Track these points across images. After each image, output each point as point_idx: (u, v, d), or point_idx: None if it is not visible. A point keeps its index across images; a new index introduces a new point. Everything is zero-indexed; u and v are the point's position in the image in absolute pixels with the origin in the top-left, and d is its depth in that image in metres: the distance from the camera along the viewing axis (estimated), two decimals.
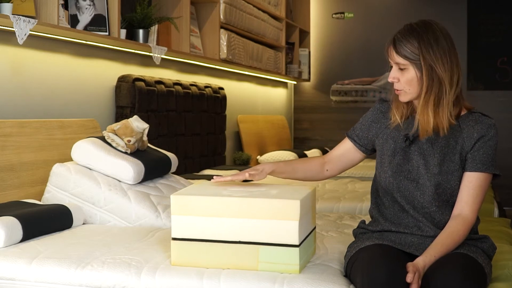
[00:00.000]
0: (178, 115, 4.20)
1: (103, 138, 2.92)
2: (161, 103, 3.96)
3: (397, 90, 2.01)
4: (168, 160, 3.11)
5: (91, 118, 3.41)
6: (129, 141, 2.90)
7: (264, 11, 5.55)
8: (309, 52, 6.97)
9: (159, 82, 3.98)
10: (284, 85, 7.04)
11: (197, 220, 1.97)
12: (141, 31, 3.68)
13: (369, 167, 5.20)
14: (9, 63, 2.95)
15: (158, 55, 3.75)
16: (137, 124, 2.92)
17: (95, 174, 2.80)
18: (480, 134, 1.96)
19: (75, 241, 2.35)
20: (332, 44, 7.11)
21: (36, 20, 2.71)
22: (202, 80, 4.85)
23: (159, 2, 4.16)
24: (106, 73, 3.69)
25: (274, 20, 5.85)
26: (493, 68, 6.73)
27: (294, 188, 2.11)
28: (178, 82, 4.25)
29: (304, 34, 6.99)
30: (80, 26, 3.26)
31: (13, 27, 2.63)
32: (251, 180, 2.13)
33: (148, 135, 3.10)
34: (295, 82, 7.11)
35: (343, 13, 7.06)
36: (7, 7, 2.63)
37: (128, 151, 2.91)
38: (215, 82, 5.07)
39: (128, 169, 2.80)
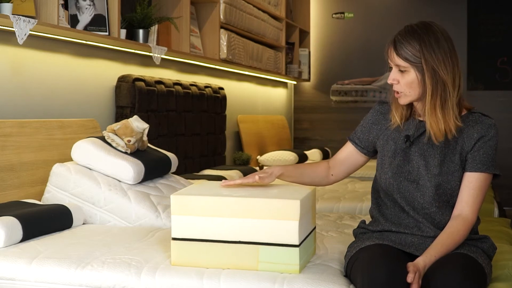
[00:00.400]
0: (178, 115, 4.19)
1: (103, 138, 2.92)
2: (161, 103, 3.96)
3: (397, 92, 2.01)
4: (168, 160, 3.11)
5: (91, 118, 3.41)
6: (129, 141, 2.90)
7: (264, 11, 5.55)
8: (309, 52, 6.97)
9: (159, 82, 3.98)
10: (284, 85, 7.04)
11: (197, 220, 1.97)
12: (141, 31, 3.68)
13: (369, 167, 5.20)
14: (9, 63, 2.95)
15: (158, 55, 3.75)
16: (137, 124, 2.92)
17: (95, 174, 2.80)
18: (480, 134, 1.96)
19: (75, 241, 2.35)
20: (332, 44, 7.11)
21: (36, 20, 2.71)
22: (202, 80, 4.85)
23: (159, 2, 4.16)
24: (106, 73, 3.69)
25: (274, 20, 5.85)
26: (493, 68, 6.73)
27: (294, 188, 2.11)
28: (178, 82, 4.25)
29: (304, 34, 6.99)
30: (80, 26, 3.26)
31: (13, 27, 2.63)
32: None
33: (148, 135, 3.10)
34: (295, 82, 7.11)
35: (343, 13, 7.06)
36: (7, 7, 2.63)
37: (128, 151, 2.91)
38: (215, 82, 5.07)
39: (128, 169, 2.80)
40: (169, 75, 4.36)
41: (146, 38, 3.70)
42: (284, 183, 2.23)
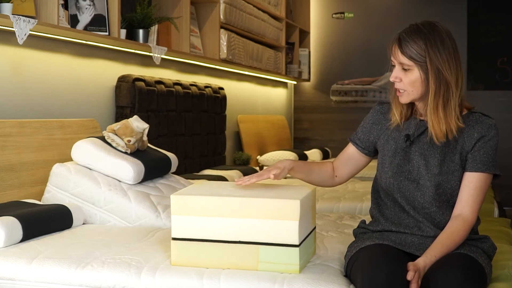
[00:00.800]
0: (178, 115, 4.19)
1: (103, 138, 2.92)
2: (161, 103, 3.96)
3: (399, 91, 2.00)
4: (168, 160, 3.11)
5: (91, 118, 3.41)
6: (129, 141, 2.90)
7: (264, 11, 5.55)
8: (309, 52, 6.97)
9: (159, 82, 3.98)
10: (284, 85, 7.04)
11: (197, 220, 1.97)
12: (141, 31, 3.68)
13: (370, 167, 5.19)
14: (9, 63, 2.95)
15: (158, 55, 3.75)
16: (137, 124, 2.92)
17: (95, 174, 2.80)
18: (481, 134, 1.96)
19: (75, 241, 2.35)
20: (332, 44, 7.11)
21: (36, 20, 2.71)
22: (202, 80, 4.85)
23: (159, 2, 4.16)
24: (106, 73, 3.69)
25: (274, 20, 5.85)
26: (493, 68, 6.73)
27: (294, 188, 2.11)
28: (178, 82, 4.25)
29: (304, 34, 6.99)
30: (80, 26, 3.26)
31: (13, 27, 2.63)
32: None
33: (148, 135, 3.10)
34: (295, 82, 7.11)
35: (343, 13, 7.06)
36: (7, 7, 2.63)
37: (128, 151, 2.91)
38: (215, 82, 5.07)
39: (128, 169, 2.80)
40: (169, 75, 4.36)
41: (146, 38, 3.70)
42: (284, 183, 2.24)
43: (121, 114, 3.71)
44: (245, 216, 1.94)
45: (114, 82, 3.74)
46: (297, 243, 1.91)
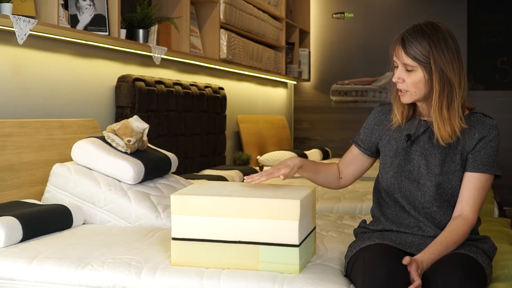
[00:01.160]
0: (178, 115, 4.19)
1: (103, 138, 2.92)
2: (161, 103, 3.96)
3: (401, 91, 1.99)
4: (168, 160, 3.11)
5: (91, 118, 3.41)
6: (129, 141, 2.90)
7: (264, 11, 5.55)
8: (309, 52, 6.97)
9: (159, 82, 3.98)
10: (284, 85, 7.04)
11: (197, 220, 1.97)
12: (141, 31, 3.68)
13: (370, 168, 5.19)
14: (9, 63, 2.95)
15: (158, 55, 3.75)
16: (137, 124, 2.92)
17: (95, 174, 2.80)
18: (482, 135, 1.96)
19: (75, 241, 2.35)
20: (332, 44, 7.11)
21: (36, 20, 2.71)
22: (202, 80, 4.85)
23: (159, 2, 4.16)
24: (106, 73, 3.69)
25: (274, 20, 5.85)
26: (493, 68, 6.72)
27: (294, 188, 2.11)
28: (178, 82, 4.25)
29: (304, 34, 6.99)
30: (80, 26, 3.26)
31: (13, 27, 2.63)
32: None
33: (148, 135, 3.10)
34: (295, 82, 7.11)
35: (343, 13, 7.06)
36: (7, 7, 2.63)
37: (128, 151, 2.91)
38: (215, 82, 5.07)
39: (128, 169, 2.80)
40: (169, 75, 4.36)
41: (146, 38, 3.70)
42: (284, 183, 2.23)
43: (121, 114, 3.71)
44: (245, 216, 1.94)
45: (114, 82, 3.74)
46: (297, 243, 1.91)
